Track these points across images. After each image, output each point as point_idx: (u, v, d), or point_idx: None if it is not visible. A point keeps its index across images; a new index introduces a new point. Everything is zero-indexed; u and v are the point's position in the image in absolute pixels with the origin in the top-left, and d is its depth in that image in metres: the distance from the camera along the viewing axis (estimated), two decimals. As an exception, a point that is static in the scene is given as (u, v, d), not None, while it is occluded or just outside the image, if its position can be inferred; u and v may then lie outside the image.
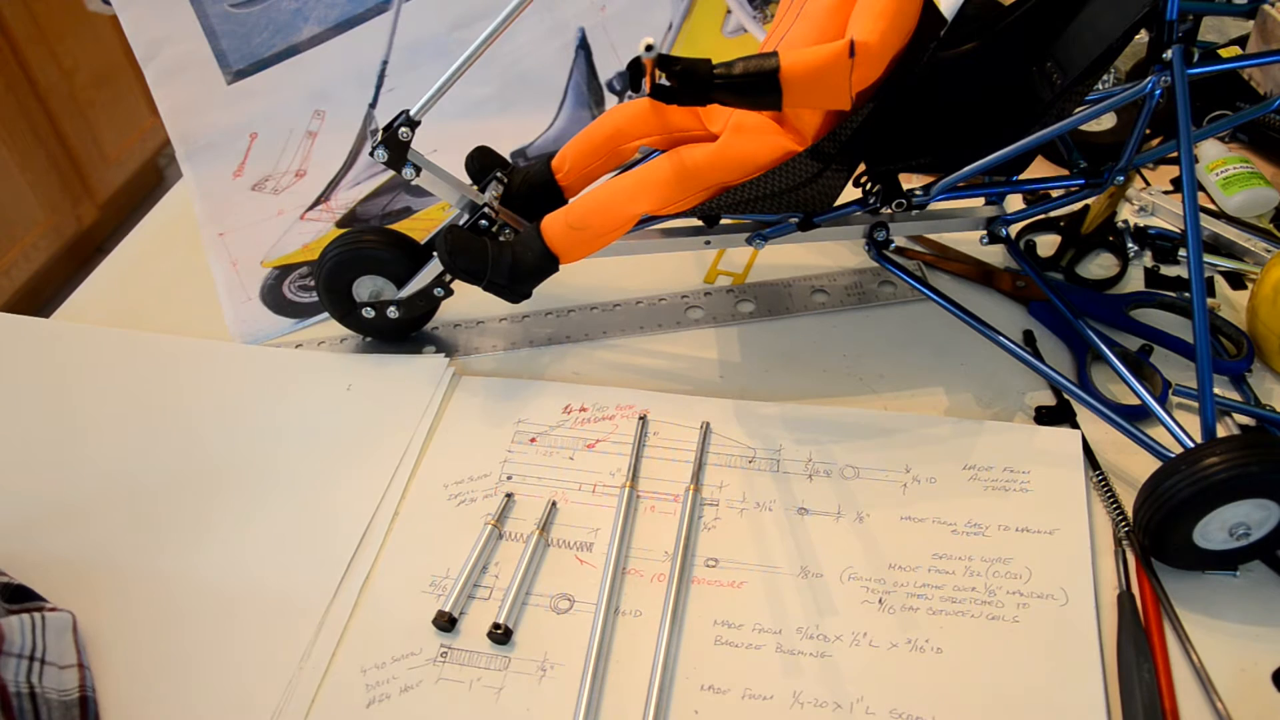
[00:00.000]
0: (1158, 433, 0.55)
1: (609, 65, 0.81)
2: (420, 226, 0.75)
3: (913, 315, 0.67)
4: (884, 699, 0.47)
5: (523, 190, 0.62)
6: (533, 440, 0.60)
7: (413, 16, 0.80)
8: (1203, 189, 0.74)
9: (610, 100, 0.81)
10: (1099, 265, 0.70)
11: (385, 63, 0.80)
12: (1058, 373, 0.57)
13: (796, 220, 0.60)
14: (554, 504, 0.56)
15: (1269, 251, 0.68)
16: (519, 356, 0.66)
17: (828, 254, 0.71)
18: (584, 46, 0.81)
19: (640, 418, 0.60)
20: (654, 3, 0.82)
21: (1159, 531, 0.49)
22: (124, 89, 2.09)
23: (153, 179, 2.25)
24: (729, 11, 0.82)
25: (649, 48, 0.46)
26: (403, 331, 0.66)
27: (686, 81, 0.49)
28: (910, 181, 0.59)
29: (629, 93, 0.80)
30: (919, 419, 0.59)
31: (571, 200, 0.61)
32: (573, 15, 0.81)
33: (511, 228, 0.61)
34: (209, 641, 0.51)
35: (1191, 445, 0.50)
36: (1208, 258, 0.69)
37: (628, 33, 0.81)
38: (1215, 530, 0.49)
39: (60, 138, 1.98)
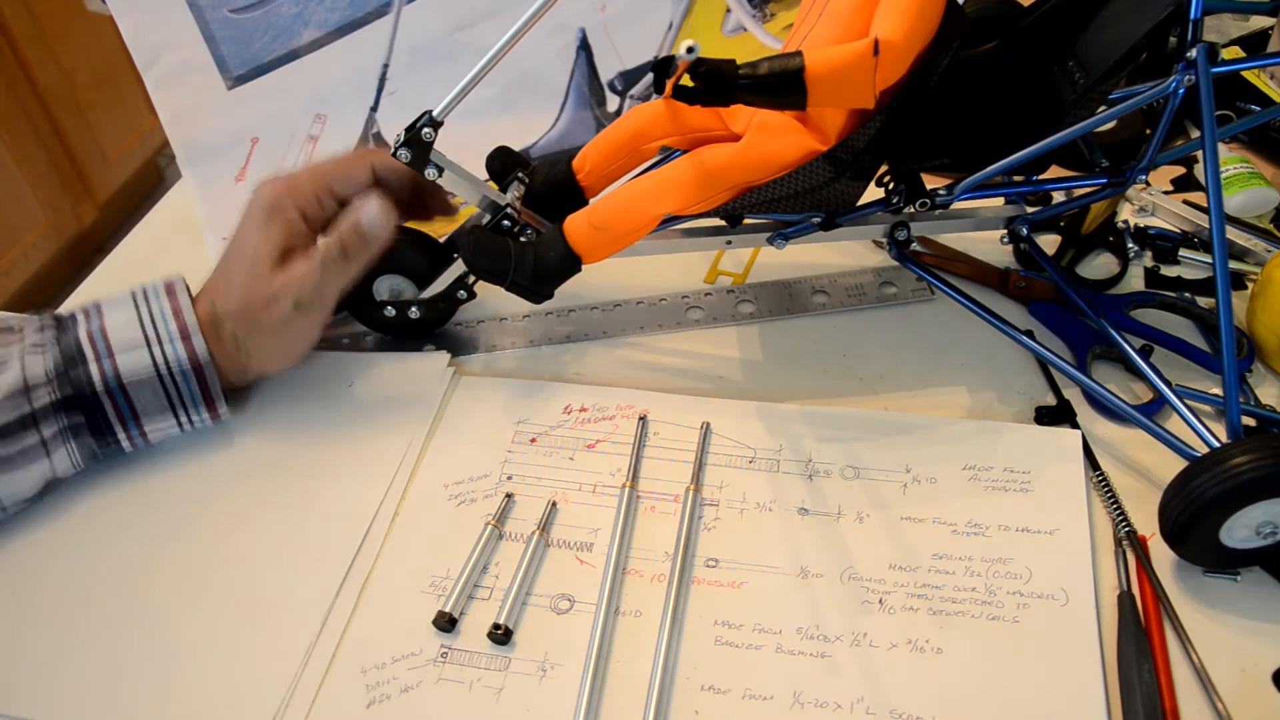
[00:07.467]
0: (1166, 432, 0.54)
1: (610, 65, 0.81)
2: (437, 227, 0.75)
3: (913, 315, 0.67)
4: (884, 699, 0.47)
5: (544, 190, 0.61)
6: (533, 440, 0.60)
7: (413, 19, 0.80)
8: (1203, 189, 0.74)
9: (612, 100, 0.81)
10: (1099, 265, 0.70)
11: (386, 66, 0.80)
12: (1080, 371, 0.57)
13: (818, 220, 0.59)
14: (554, 504, 0.56)
15: (1269, 251, 0.68)
16: (520, 356, 0.66)
17: (828, 254, 0.71)
18: (585, 47, 0.81)
19: (640, 418, 0.60)
20: (654, 3, 0.82)
21: (1185, 528, 0.49)
22: (124, 89, 2.09)
23: (153, 179, 2.26)
24: (729, 11, 0.82)
25: (690, 49, 0.46)
26: (425, 330, 0.66)
27: (711, 82, 0.48)
28: (928, 181, 0.59)
29: (629, 93, 0.80)
30: (919, 419, 0.59)
31: (593, 201, 0.61)
32: (573, 15, 0.81)
33: (533, 228, 0.60)
34: (207, 642, 0.51)
35: (1216, 444, 0.50)
36: (1207, 258, 0.69)
37: (628, 33, 0.81)
38: (1242, 529, 0.49)
39: (60, 138, 1.98)
